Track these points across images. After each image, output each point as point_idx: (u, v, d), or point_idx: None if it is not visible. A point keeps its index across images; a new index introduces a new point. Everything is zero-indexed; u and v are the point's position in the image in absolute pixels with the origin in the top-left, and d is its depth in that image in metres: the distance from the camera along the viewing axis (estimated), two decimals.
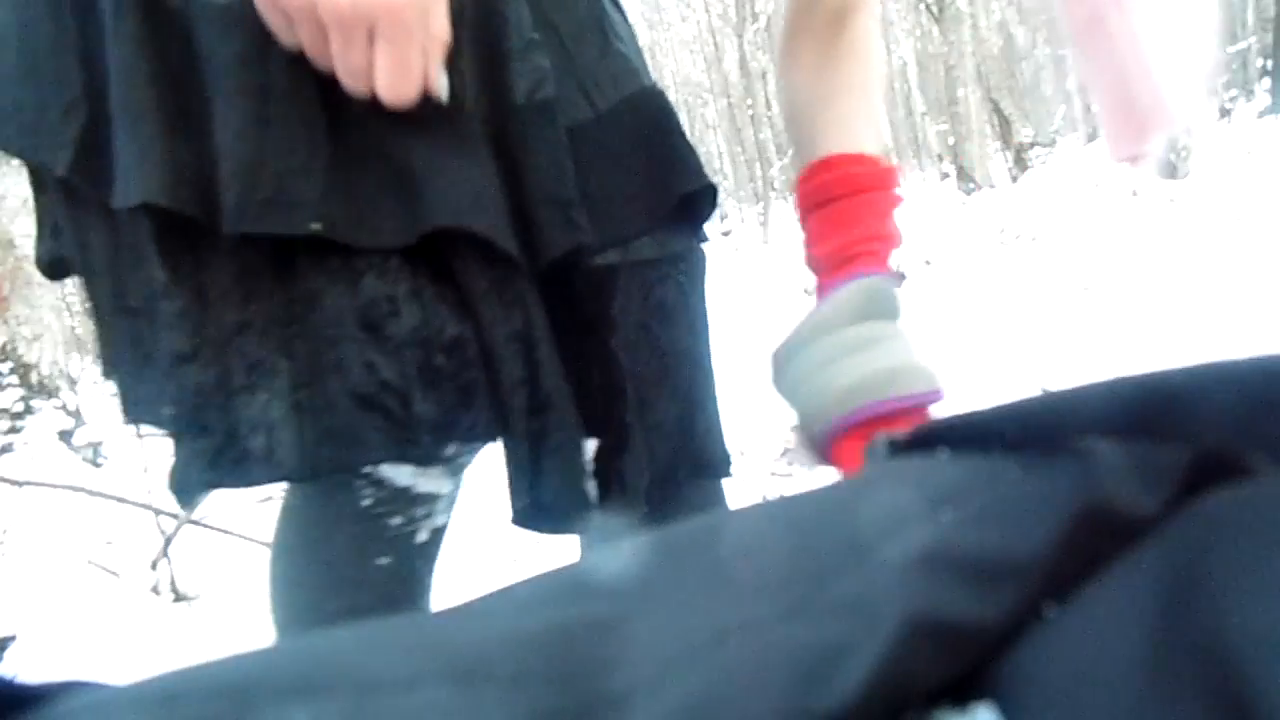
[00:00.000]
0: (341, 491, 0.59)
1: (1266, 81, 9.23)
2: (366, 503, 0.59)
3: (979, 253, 5.27)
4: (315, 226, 0.50)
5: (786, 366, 0.62)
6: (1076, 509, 0.19)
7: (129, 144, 0.49)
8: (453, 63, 0.53)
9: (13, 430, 3.57)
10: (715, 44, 16.10)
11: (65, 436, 3.56)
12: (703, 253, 0.70)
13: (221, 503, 2.49)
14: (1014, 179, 8.68)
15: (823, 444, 0.61)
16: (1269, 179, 4.83)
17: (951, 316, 4.01)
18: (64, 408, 3.69)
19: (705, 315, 0.69)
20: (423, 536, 0.64)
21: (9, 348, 3.66)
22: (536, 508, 0.61)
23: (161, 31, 0.50)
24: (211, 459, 0.54)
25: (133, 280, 0.55)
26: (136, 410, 0.58)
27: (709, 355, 0.70)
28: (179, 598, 1.96)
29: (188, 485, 0.56)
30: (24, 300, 3.73)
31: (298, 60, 0.50)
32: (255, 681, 0.18)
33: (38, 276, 3.96)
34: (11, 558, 2.07)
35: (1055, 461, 0.20)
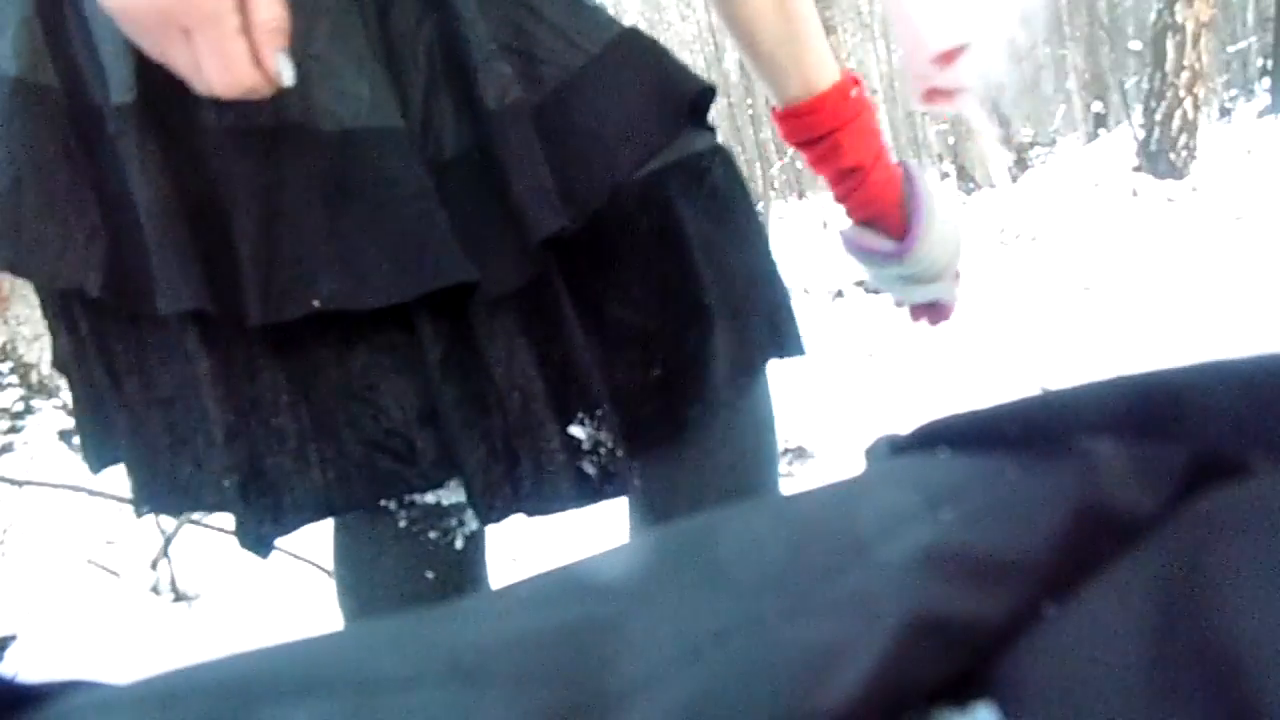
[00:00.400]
0: (380, 519, 0.69)
1: (1266, 81, 9.22)
2: (403, 524, 0.69)
3: (979, 252, 5.27)
4: (315, 304, 0.58)
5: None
6: (1076, 508, 0.19)
7: (167, 260, 0.57)
8: (431, 102, 0.61)
9: (13, 430, 3.58)
10: (715, 44, 16.10)
11: (65, 436, 3.56)
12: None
13: None
14: (1014, 179, 8.69)
15: None
16: (1269, 178, 4.83)
17: (951, 317, 4.01)
18: (64, 407, 3.69)
19: (749, 198, 0.74)
20: (459, 544, 0.72)
21: (9, 347, 3.66)
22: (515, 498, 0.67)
23: (175, 154, 0.58)
24: (272, 514, 0.62)
25: (163, 374, 0.63)
26: (158, 498, 0.66)
27: (766, 237, 0.76)
28: (179, 598, 1.96)
29: (259, 541, 0.63)
30: (24, 300, 3.73)
31: (302, 153, 0.58)
32: (255, 681, 0.18)
33: None
34: (11, 557, 2.07)
35: (1055, 461, 0.20)
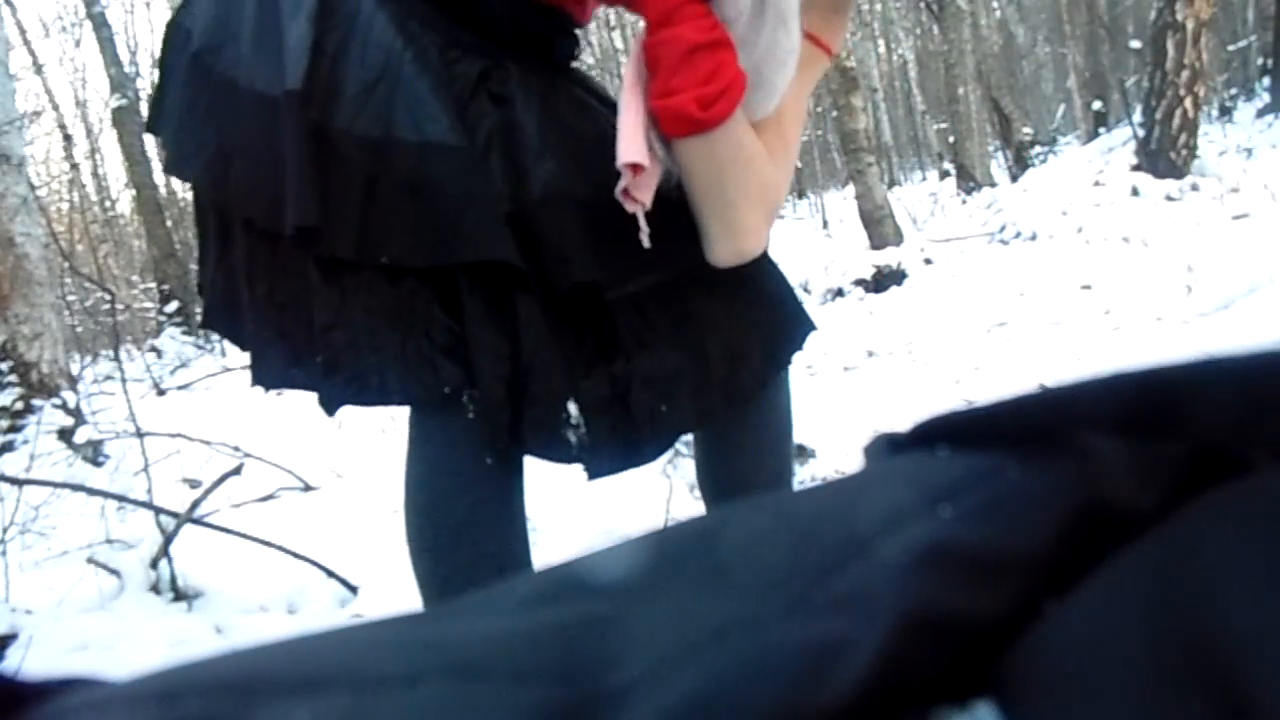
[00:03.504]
0: (454, 408, 0.90)
1: (1266, 80, 9.21)
2: (471, 415, 0.90)
3: (979, 252, 5.27)
4: (384, 259, 0.86)
5: None
6: (1075, 505, 0.19)
7: (307, 202, 0.84)
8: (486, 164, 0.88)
9: (13, 429, 3.57)
10: None
11: (65, 435, 3.56)
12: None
13: (222, 502, 2.49)
14: (1014, 178, 8.68)
15: None
16: (1269, 177, 4.82)
17: (951, 315, 4.01)
18: (64, 406, 3.69)
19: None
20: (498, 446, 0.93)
21: (9, 346, 3.66)
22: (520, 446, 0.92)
23: (319, 139, 0.87)
24: (357, 390, 0.87)
25: (284, 285, 0.90)
26: (267, 376, 0.93)
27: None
28: (179, 597, 1.96)
29: (331, 403, 0.90)
30: (24, 299, 3.72)
31: (392, 153, 0.86)
32: (255, 678, 0.18)
33: (38, 275, 3.96)
34: (11, 556, 2.07)
35: (1054, 458, 0.20)
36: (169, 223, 10.17)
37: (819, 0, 0.92)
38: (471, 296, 0.86)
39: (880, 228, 6.17)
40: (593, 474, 0.94)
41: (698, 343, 0.95)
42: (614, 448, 0.93)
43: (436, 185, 0.84)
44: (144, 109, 11.16)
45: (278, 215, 0.84)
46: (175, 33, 0.95)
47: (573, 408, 0.90)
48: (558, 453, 0.92)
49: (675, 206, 0.91)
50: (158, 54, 1.04)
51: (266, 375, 0.93)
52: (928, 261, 5.31)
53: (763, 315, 1.02)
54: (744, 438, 1.06)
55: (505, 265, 0.85)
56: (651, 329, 0.94)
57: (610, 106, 0.99)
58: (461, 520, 0.92)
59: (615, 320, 0.92)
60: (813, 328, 1.08)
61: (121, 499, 2.30)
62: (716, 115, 0.83)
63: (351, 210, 0.84)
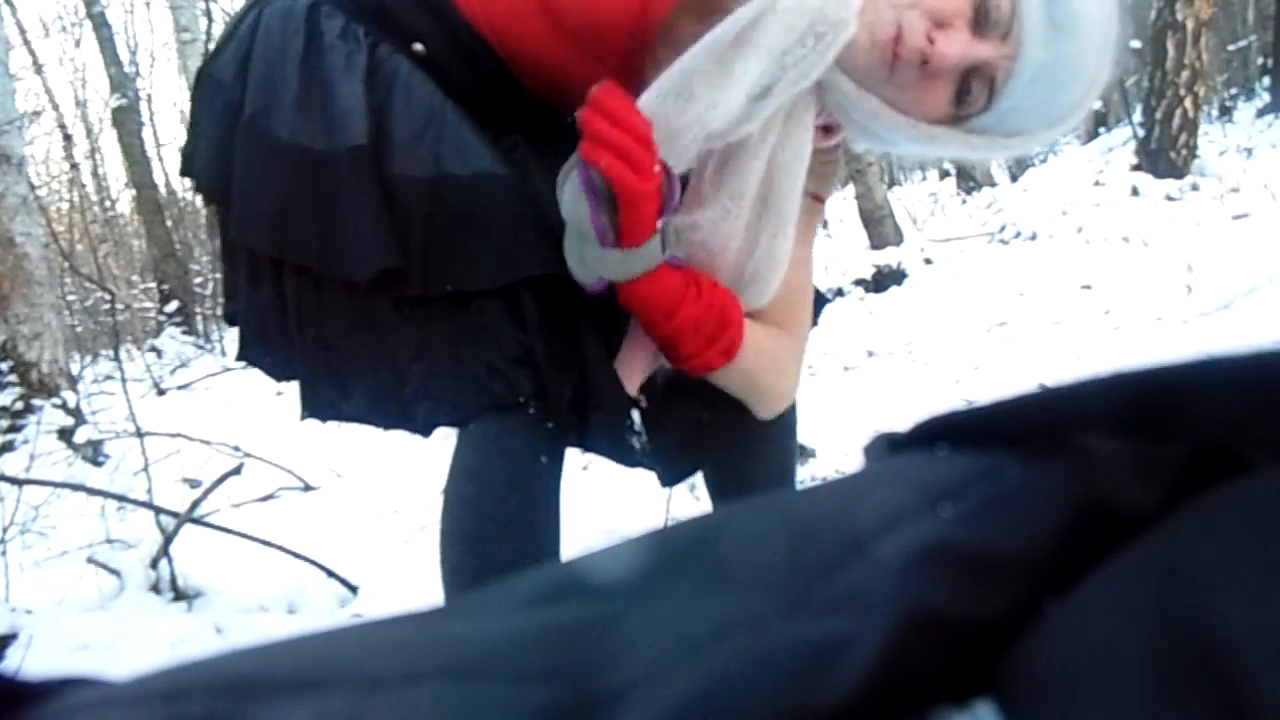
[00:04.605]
0: (517, 408, 0.94)
1: (1266, 80, 9.21)
2: (533, 411, 0.94)
3: (979, 252, 5.27)
4: (448, 287, 0.92)
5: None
6: (1075, 505, 0.19)
7: (369, 249, 0.92)
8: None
9: (13, 429, 3.57)
10: None
11: (65, 435, 3.56)
12: None
13: (222, 502, 2.49)
14: (1014, 177, 8.67)
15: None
16: (1269, 177, 4.82)
17: (951, 315, 4.01)
18: (64, 406, 3.69)
19: None
20: (552, 449, 0.97)
21: (9, 346, 3.66)
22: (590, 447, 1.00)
23: (380, 192, 0.95)
24: (446, 412, 0.94)
25: (330, 326, 0.96)
26: (318, 408, 1.00)
27: None
28: (179, 597, 1.96)
29: (427, 428, 0.98)
30: (24, 299, 3.73)
31: (447, 189, 0.93)
32: (256, 677, 0.18)
33: (38, 275, 3.96)
34: (11, 556, 2.07)
35: (1054, 457, 0.20)
36: (169, 223, 10.18)
37: (814, 167, 0.95)
38: (533, 308, 0.93)
39: (880, 227, 6.17)
40: (665, 482, 1.09)
41: None
42: (671, 454, 1.04)
43: (489, 212, 0.92)
44: (144, 109, 11.16)
45: (331, 262, 0.93)
46: (208, 84, 1.01)
47: (635, 415, 0.99)
48: (624, 456, 1.01)
49: None
50: (188, 103, 1.11)
51: (319, 409, 1.01)
52: (928, 261, 5.30)
53: None
54: (750, 424, 1.10)
55: (558, 276, 0.93)
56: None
57: None
58: (512, 514, 0.95)
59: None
60: (825, 300, 1.17)
61: (121, 499, 2.30)
62: (736, 350, 0.94)
63: (415, 249, 0.91)
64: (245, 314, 1.03)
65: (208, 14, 9.00)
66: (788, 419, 1.14)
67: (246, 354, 1.06)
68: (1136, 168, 5.29)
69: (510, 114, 1.02)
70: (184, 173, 1.06)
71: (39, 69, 11.66)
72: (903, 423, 0.24)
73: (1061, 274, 4.15)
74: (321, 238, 0.94)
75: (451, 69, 0.98)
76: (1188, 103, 5.19)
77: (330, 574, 1.94)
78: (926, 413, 0.23)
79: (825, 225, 9.55)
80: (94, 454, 3.56)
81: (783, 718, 0.16)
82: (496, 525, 0.94)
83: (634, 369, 0.98)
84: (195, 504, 2.16)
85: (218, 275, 8.94)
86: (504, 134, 1.00)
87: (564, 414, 0.94)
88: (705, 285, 0.91)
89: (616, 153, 0.81)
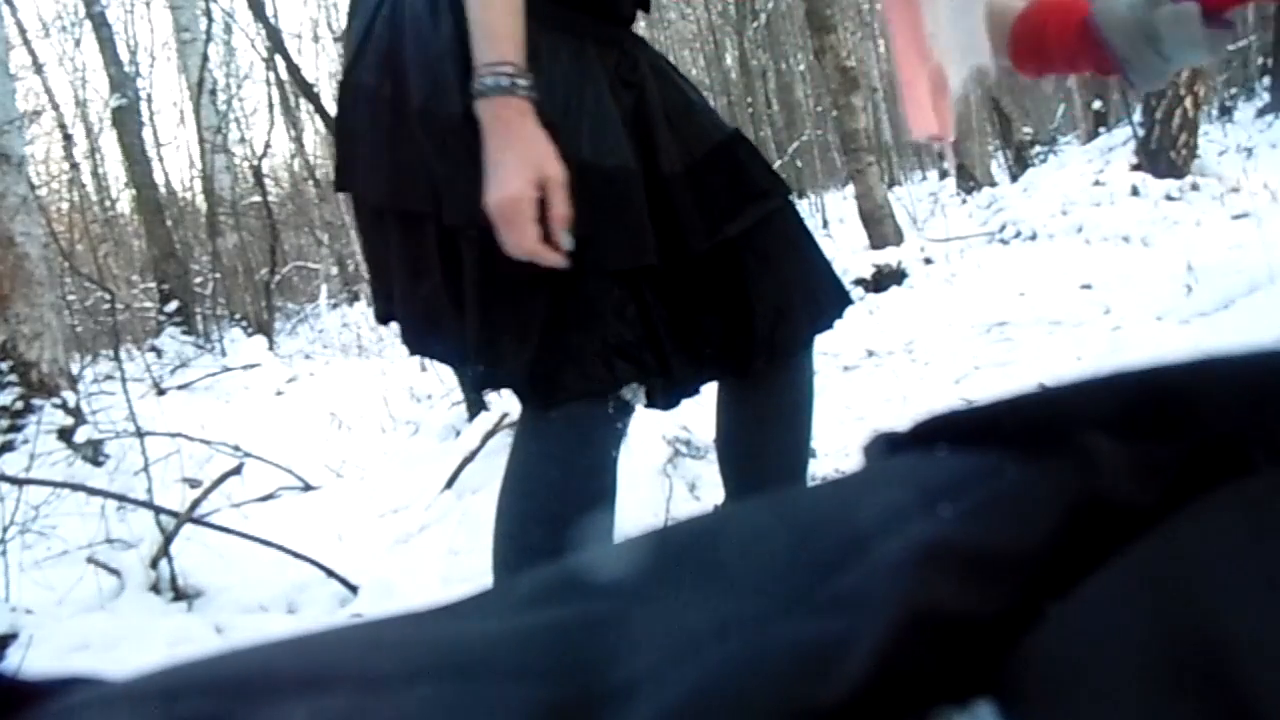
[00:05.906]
0: (599, 404, 1.00)
1: (1266, 80, 9.21)
2: (611, 410, 1.01)
3: (979, 251, 5.26)
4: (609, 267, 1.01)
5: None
6: (1075, 504, 0.19)
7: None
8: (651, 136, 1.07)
9: (13, 429, 3.57)
10: (715, 42, 16.08)
11: (65, 435, 3.56)
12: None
13: (222, 502, 2.49)
14: (1014, 177, 8.68)
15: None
16: (1269, 177, 4.82)
17: (951, 315, 4.01)
18: (64, 406, 3.69)
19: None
20: (625, 434, 1.06)
21: (9, 346, 3.66)
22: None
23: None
24: (527, 378, 1.00)
25: (434, 272, 1.03)
26: (422, 348, 1.12)
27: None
28: (179, 597, 1.96)
29: (487, 385, 1.11)
30: (24, 299, 3.72)
31: (589, 180, 0.98)
32: (255, 677, 0.18)
33: (38, 275, 3.95)
34: (11, 556, 2.07)
35: (1054, 457, 0.20)
36: (169, 223, 10.17)
37: None
38: (648, 291, 1.02)
39: (880, 227, 6.17)
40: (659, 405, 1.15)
41: (743, 300, 1.09)
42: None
43: (623, 200, 0.99)
44: (144, 109, 11.14)
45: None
46: (357, 91, 1.03)
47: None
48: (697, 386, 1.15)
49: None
50: (335, 115, 1.12)
51: (489, 381, 1.08)
52: (928, 261, 5.30)
53: (807, 279, 1.14)
54: (768, 402, 1.16)
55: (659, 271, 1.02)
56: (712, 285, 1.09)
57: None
58: (590, 502, 1.00)
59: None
60: (850, 302, 1.21)
61: (121, 499, 2.30)
62: None
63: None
64: (409, 310, 1.07)
65: (208, 14, 8.99)
66: (799, 392, 1.18)
67: (418, 348, 1.12)
68: (1136, 167, 5.30)
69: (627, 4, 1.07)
70: (340, 187, 1.09)
71: (39, 69, 11.64)
72: (903, 423, 0.24)
73: (1061, 274, 4.15)
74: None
75: None
76: (1188, 102, 5.19)
77: (330, 574, 1.94)
78: (926, 413, 0.23)
79: (825, 225, 9.55)
80: (94, 454, 3.55)
81: (783, 716, 0.16)
82: (577, 511, 0.99)
83: (923, 102, 0.89)
84: (195, 504, 2.16)
85: (218, 275, 8.94)
86: (624, 53, 1.05)
87: (654, 377, 1.01)
88: None
89: None
